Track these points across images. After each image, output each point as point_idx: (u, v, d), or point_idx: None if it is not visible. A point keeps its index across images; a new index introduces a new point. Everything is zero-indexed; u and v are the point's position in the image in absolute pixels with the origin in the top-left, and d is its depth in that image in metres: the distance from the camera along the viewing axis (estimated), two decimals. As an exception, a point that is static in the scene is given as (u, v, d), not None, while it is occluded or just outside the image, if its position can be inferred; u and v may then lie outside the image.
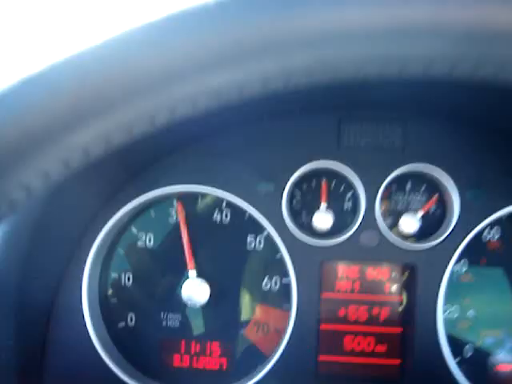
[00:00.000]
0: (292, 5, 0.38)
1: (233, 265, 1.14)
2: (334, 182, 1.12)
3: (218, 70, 0.40)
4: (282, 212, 1.08)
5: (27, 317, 1.03)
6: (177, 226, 1.14)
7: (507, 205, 1.07)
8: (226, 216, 1.13)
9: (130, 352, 1.14)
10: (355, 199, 1.11)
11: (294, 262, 1.08)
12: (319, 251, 1.09)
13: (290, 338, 1.09)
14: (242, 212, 1.11)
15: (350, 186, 1.11)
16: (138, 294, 1.16)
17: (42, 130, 0.39)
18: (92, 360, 1.10)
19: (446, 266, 1.07)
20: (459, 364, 1.09)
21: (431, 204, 1.12)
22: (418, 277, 1.08)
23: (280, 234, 1.09)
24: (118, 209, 1.10)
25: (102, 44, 0.38)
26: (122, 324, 1.15)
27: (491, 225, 1.10)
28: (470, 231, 1.07)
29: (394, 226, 1.11)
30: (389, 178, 1.08)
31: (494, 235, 1.11)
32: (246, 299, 1.14)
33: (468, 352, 1.10)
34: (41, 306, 1.09)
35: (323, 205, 1.11)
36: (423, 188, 1.12)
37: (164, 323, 1.15)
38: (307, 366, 1.10)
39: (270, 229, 1.09)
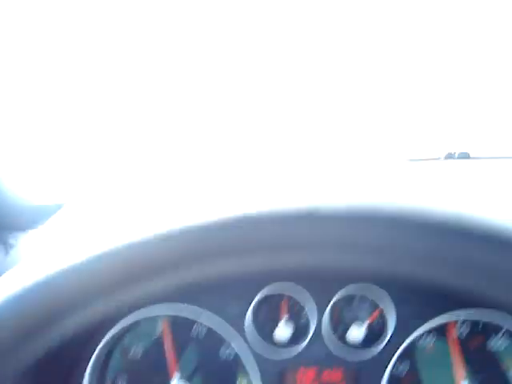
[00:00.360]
0: None
1: (211, 369, 1.36)
2: (291, 301, 1.34)
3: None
4: (246, 327, 1.30)
5: None
6: (162, 337, 1.36)
7: (437, 315, 1.28)
8: (202, 331, 1.35)
9: None
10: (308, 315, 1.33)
11: (257, 369, 1.30)
12: (279, 359, 1.31)
13: None
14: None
15: (305, 304, 1.33)
16: (132, 394, 1.38)
17: None
18: None
19: (385, 371, 1.28)
20: None
21: (374, 317, 1.33)
22: (362, 380, 1.29)
23: (244, 347, 1.30)
24: (113, 326, 1.33)
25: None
26: None
27: (427, 332, 1.30)
28: (405, 340, 1.28)
29: (341, 336, 1.32)
30: (336, 296, 1.30)
31: (429, 342, 1.31)
32: None
33: None
34: None
35: (282, 320, 1.33)
36: (368, 302, 1.34)
37: None
38: None
39: (236, 342, 1.31)
